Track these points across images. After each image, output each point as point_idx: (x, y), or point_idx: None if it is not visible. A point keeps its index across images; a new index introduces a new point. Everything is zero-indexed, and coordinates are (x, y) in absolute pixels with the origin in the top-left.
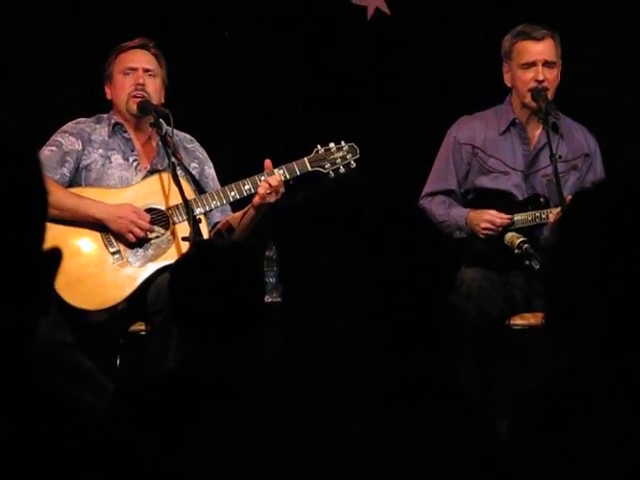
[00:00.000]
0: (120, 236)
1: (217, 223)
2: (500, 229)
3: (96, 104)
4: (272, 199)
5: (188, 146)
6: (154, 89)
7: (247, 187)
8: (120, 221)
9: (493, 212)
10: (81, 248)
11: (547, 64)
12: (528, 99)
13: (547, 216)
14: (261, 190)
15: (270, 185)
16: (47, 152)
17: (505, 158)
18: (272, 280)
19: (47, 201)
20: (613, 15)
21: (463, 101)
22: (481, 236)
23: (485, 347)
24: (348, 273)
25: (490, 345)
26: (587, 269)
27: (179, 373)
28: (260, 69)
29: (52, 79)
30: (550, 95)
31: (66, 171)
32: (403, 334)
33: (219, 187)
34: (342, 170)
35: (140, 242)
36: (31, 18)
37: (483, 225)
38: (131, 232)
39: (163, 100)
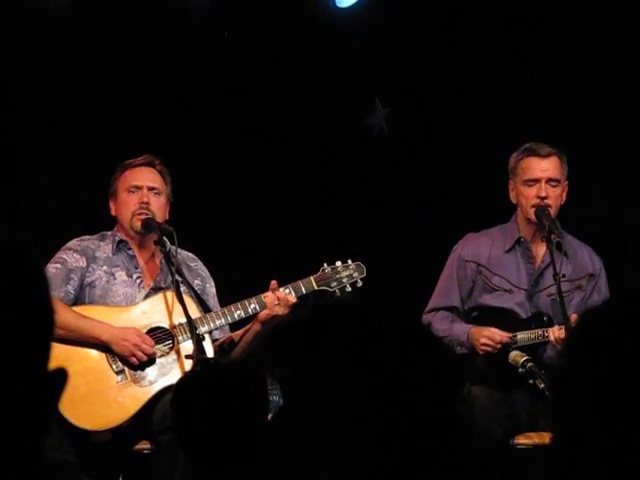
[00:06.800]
0: (123, 358)
1: (216, 340)
2: (499, 346)
3: (100, 221)
4: (280, 312)
5: (191, 264)
6: (158, 207)
7: (253, 306)
8: (124, 344)
9: (494, 329)
10: (86, 367)
11: (551, 182)
12: (531, 215)
13: (549, 334)
14: (269, 300)
15: (278, 298)
16: (52, 270)
17: (509, 276)
18: (276, 398)
19: (53, 320)
20: (618, 134)
21: (469, 218)
22: (479, 352)
23: (488, 467)
24: (348, 392)
25: (494, 465)
26: (593, 392)
27: None
28: (269, 186)
29: (56, 196)
30: (553, 214)
31: (71, 289)
32: (407, 458)
33: (218, 306)
34: (349, 289)
35: (143, 365)
36: (37, 135)
37: (482, 341)
38: (134, 356)
39: (167, 217)
